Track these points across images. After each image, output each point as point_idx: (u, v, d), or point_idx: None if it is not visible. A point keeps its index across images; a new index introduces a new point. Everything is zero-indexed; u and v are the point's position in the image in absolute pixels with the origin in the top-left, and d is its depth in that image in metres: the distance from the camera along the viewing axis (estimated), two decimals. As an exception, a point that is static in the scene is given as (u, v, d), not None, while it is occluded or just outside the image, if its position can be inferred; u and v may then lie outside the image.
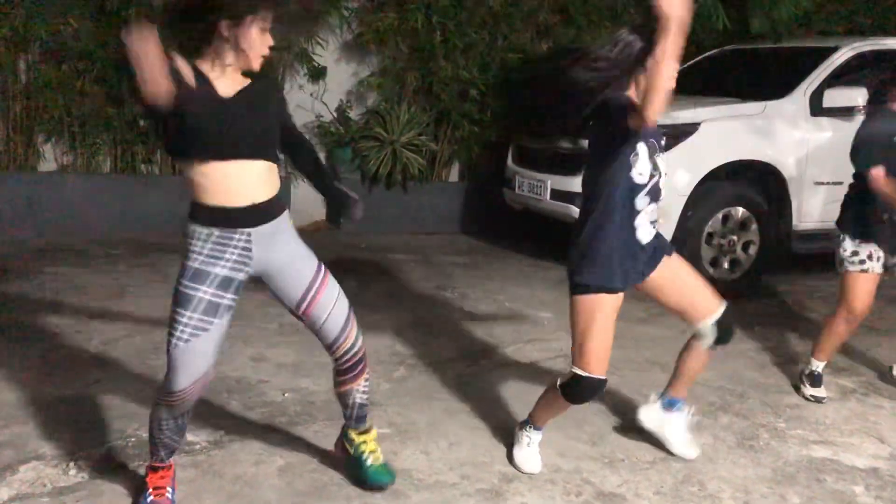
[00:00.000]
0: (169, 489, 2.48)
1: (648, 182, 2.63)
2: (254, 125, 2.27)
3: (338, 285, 2.50)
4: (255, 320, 4.31)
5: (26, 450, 2.77)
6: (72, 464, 2.70)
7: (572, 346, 2.71)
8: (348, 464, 2.72)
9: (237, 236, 2.29)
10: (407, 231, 6.95)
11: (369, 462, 2.67)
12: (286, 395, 3.39)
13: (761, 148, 5.41)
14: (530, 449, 2.89)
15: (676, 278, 2.81)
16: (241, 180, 2.26)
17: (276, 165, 2.35)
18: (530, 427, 2.91)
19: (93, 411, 3.09)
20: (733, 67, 6.50)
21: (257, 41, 2.22)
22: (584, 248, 2.67)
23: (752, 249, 5.47)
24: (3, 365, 3.46)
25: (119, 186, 6.33)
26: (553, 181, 5.61)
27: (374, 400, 3.37)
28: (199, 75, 2.20)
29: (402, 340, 4.15)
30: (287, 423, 3.12)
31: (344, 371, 2.57)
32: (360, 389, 2.62)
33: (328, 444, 2.93)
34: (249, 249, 2.32)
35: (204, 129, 2.20)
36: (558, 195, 5.57)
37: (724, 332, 2.85)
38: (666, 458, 3.04)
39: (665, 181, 2.73)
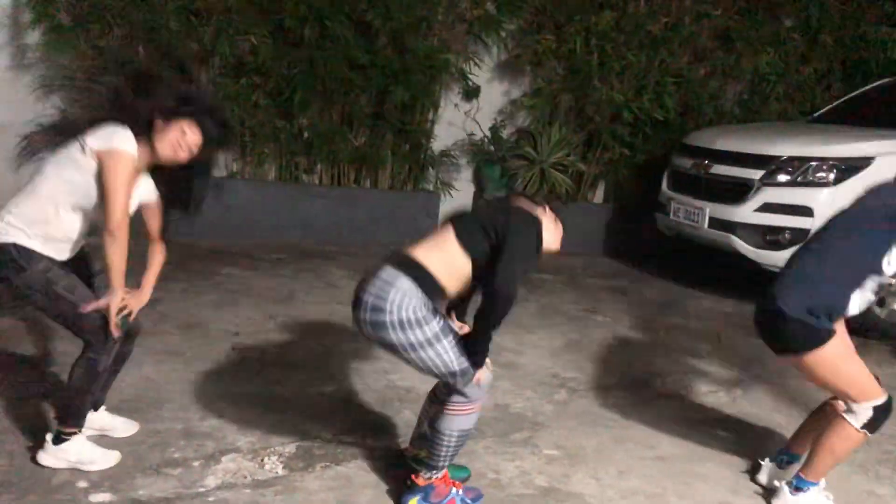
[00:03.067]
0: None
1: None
2: None
3: None
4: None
5: (225, 441, 2.98)
6: (265, 459, 2.89)
7: (842, 393, 2.75)
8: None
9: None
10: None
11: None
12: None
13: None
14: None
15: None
16: None
17: None
18: (816, 487, 2.84)
19: (279, 410, 3.29)
20: (906, 99, 6.20)
21: None
22: (824, 305, 2.66)
23: (923, 291, 5.19)
24: (195, 360, 3.73)
25: (282, 194, 6.67)
26: (712, 209, 5.52)
27: (538, 421, 3.45)
28: None
29: (560, 363, 4.19)
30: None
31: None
32: None
33: (498, 459, 3.03)
34: None
35: None
36: (717, 224, 5.48)
37: None
38: (846, 506, 2.94)
39: None
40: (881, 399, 2.73)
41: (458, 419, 2.53)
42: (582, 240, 7.19)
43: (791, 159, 5.20)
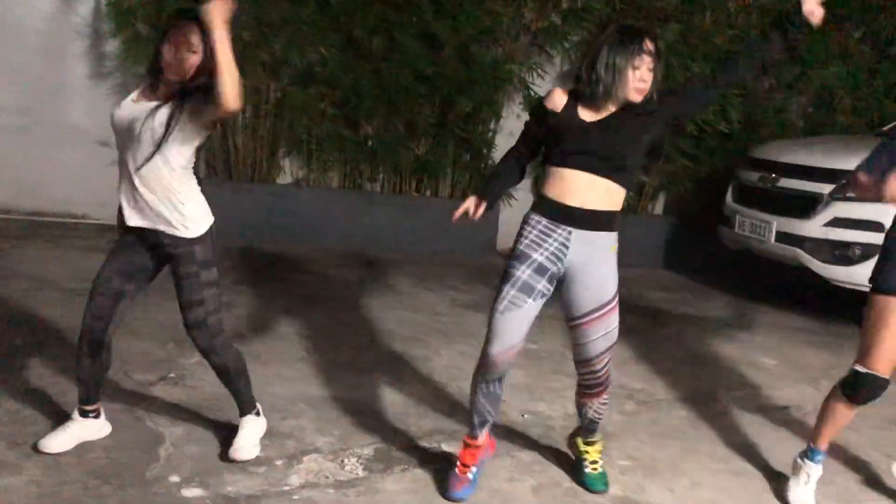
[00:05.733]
0: (474, 468, 2.77)
1: None
2: (603, 148, 2.55)
3: (618, 321, 2.71)
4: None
5: (305, 442, 3.07)
6: (345, 460, 2.97)
7: (859, 345, 2.78)
8: (573, 464, 2.99)
9: (559, 230, 2.59)
10: (609, 261, 6.97)
11: (587, 470, 2.92)
12: (525, 416, 3.54)
13: None
14: (808, 487, 2.88)
15: None
16: (580, 186, 2.55)
17: (622, 190, 2.61)
18: (810, 457, 2.91)
19: (355, 413, 3.37)
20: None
21: (631, 78, 2.53)
22: (885, 250, 2.76)
23: None
24: (272, 361, 3.84)
25: (345, 201, 6.79)
26: (779, 223, 5.47)
27: (609, 431, 3.46)
28: (572, 104, 2.60)
29: (627, 374, 4.20)
30: (531, 444, 3.25)
31: (585, 387, 2.81)
32: (594, 407, 2.85)
33: (571, 468, 3.06)
34: (567, 247, 2.60)
35: (566, 144, 2.56)
36: (784, 238, 5.43)
37: None
38: (927, 525, 2.91)
39: None
40: (868, 370, 2.72)
41: (474, 374, 2.77)
42: (641, 252, 7.17)
43: (862, 174, 5.12)
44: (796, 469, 2.98)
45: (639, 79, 2.52)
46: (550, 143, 2.63)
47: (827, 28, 6.91)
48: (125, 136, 2.65)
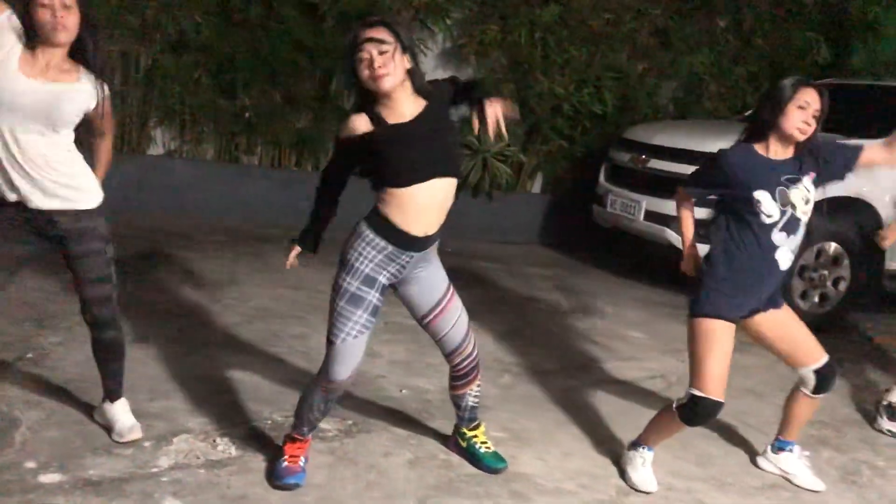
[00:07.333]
0: (302, 458, 2.73)
1: (781, 219, 2.76)
2: (434, 144, 2.49)
3: (461, 304, 2.78)
4: (361, 316, 4.49)
5: (176, 423, 2.97)
6: (217, 439, 2.90)
7: (690, 369, 2.83)
8: (465, 457, 3.00)
9: (403, 256, 2.57)
10: (488, 239, 7.09)
11: (483, 451, 2.97)
12: (403, 391, 3.55)
13: (859, 185, 5.43)
14: (645, 469, 2.99)
15: (785, 326, 2.96)
16: (424, 207, 2.50)
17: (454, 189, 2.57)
18: (642, 447, 3.02)
19: (228, 391, 3.29)
20: (830, 103, 6.49)
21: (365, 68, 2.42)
22: (709, 276, 2.82)
23: (843, 286, 5.50)
24: (142, 340, 3.68)
25: (221, 174, 6.58)
26: (648, 202, 5.69)
27: (485, 404, 3.50)
28: (377, 119, 2.48)
29: (503, 348, 4.29)
30: (407, 419, 3.28)
31: (458, 377, 2.87)
32: (472, 393, 2.93)
33: (448, 441, 3.09)
34: (405, 267, 2.60)
35: (393, 156, 2.46)
36: (653, 216, 5.65)
37: (823, 379, 3.00)
38: (774, 484, 3.13)
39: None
40: (703, 394, 2.73)
41: (310, 391, 2.69)
42: (520, 229, 7.33)
43: (724, 156, 5.40)
44: (630, 456, 3.02)
45: (371, 64, 2.38)
46: (383, 165, 2.48)
47: (696, 16, 7.26)
48: (23, 114, 2.46)
